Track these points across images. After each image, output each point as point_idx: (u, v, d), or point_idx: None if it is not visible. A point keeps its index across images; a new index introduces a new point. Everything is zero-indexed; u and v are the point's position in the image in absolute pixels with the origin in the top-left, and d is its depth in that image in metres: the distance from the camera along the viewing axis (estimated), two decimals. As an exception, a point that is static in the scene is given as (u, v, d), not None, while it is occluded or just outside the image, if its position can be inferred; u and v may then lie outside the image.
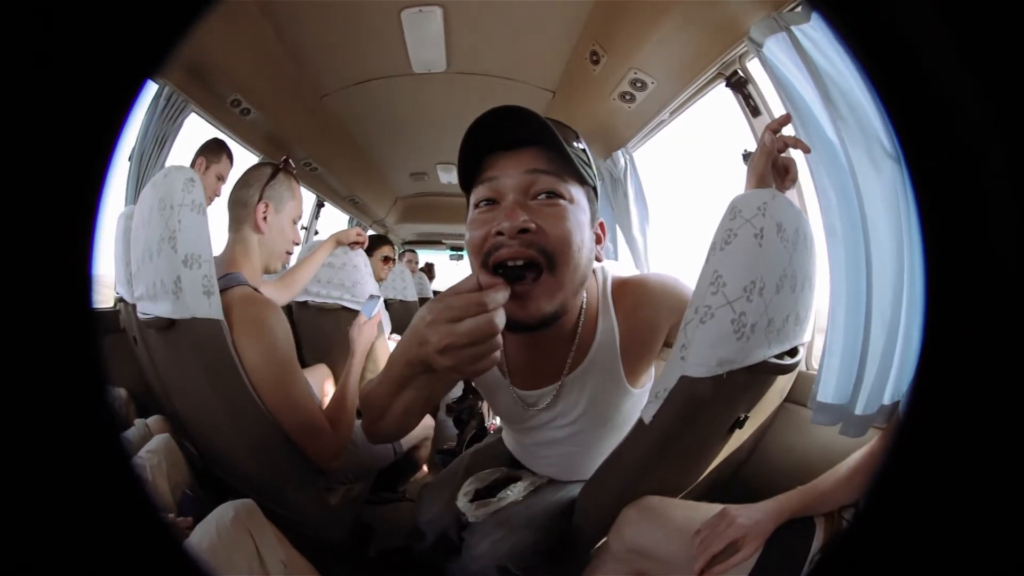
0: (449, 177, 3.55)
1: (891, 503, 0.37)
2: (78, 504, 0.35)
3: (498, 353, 0.62)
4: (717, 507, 0.84)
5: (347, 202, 3.75)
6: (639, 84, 1.73)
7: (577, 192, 0.78)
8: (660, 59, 1.59)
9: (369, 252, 2.28)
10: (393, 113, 2.55)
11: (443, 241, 5.07)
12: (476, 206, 0.79)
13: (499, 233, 0.72)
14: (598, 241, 0.85)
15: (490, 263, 0.73)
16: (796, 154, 1.14)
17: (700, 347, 0.76)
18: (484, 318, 0.59)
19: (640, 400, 0.95)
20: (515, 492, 1.07)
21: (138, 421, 1.32)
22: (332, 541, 1.24)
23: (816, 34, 1.07)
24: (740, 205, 0.76)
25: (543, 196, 0.75)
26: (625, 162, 2.24)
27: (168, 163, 1.89)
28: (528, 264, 0.72)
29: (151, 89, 1.81)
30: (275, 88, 2.11)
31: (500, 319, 0.61)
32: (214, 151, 1.97)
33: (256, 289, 1.19)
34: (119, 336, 1.64)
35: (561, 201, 0.75)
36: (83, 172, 0.34)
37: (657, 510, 0.89)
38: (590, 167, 0.81)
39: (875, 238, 0.98)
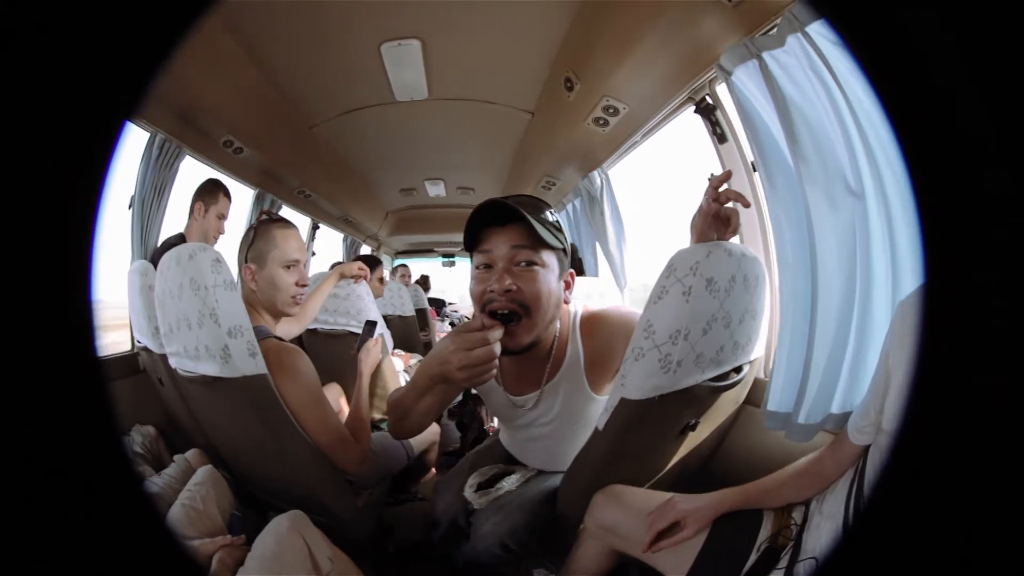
0: (437, 190, 3.53)
1: (886, 513, 0.37)
2: (102, 546, 0.35)
3: (495, 370, 0.89)
4: (667, 495, 0.99)
5: (341, 222, 3.73)
6: (611, 110, 1.71)
7: (548, 257, 1.01)
8: (631, 86, 1.57)
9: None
10: (380, 138, 2.52)
11: (435, 249, 5.06)
12: (477, 267, 1.04)
13: (492, 291, 0.98)
14: (567, 287, 1.08)
15: (486, 311, 0.99)
16: (758, 188, 1.15)
17: (635, 378, 0.92)
18: (487, 349, 0.88)
19: (603, 404, 1.12)
20: (510, 483, 1.26)
21: (177, 457, 1.40)
22: (359, 540, 1.34)
23: (788, 59, 1.04)
24: (676, 263, 0.89)
25: (523, 264, 0.99)
26: (601, 181, 2.24)
27: (169, 208, 1.87)
28: (512, 313, 0.99)
29: (142, 137, 1.77)
30: (264, 125, 2.08)
31: (498, 348, 0.89)
32: (210, 192, 1.94)
33: (278, 337, 1.29)
34: (140, 377, 1.73)
35: (535, 267, 1.00)
36: (72, 222, 0.33)
37: (619, 496, 1.05)
38: (560, 233, 1.04)
39: (823, 270, 1.00)
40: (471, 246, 1.05)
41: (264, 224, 1.31)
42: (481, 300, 1.01)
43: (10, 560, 0.33)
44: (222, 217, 1.97)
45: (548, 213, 1.04)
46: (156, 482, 1.30)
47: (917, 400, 0.35)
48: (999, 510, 0.33)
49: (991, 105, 0.32)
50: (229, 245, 1.98)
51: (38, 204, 0.32)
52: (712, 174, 1.36)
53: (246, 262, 1.29)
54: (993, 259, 0.33)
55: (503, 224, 1.00)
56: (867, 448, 0.79)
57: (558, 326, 1.12)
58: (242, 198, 2.64)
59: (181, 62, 0.36)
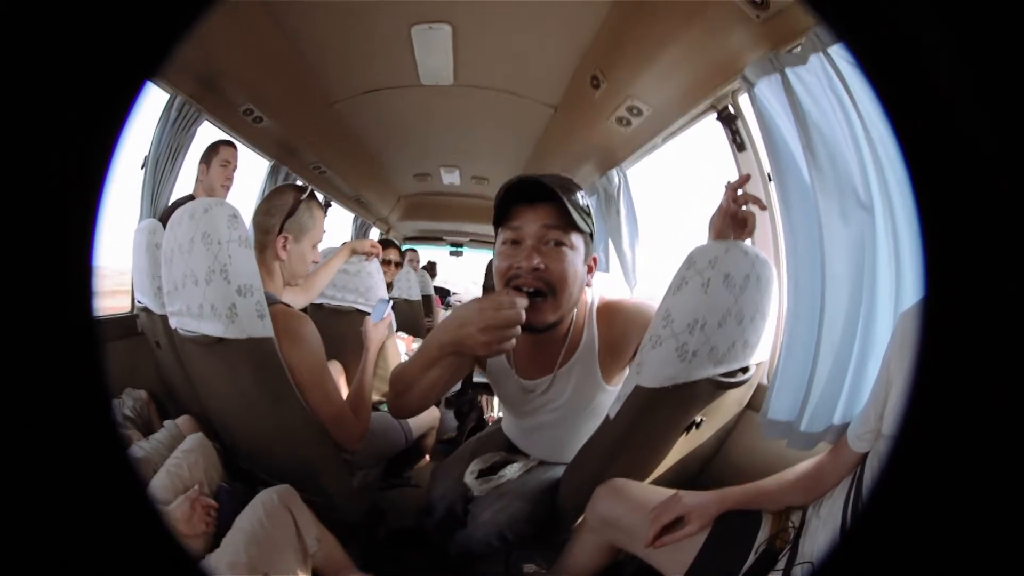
0: (451, 178, 3.55)
1: (883, 519, 0.37)
2: (80, 509, 0.34)
3: (514, 340, 0.88)
4: (671, 491, 1.00)
5: (353, 202, 3.75)
6: (635, 111, 1.73)
7: (576, 239, 1.02)
8: (656, 90, 1.59)
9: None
10: (400, 120, 2.54)
11: (443, 238, 5.07)
12: (504, 243, 1.04)
13: (519, 267, 1.00)
14: (589, 271, 1.09)
15: (511, 285, 1.01)
16: (773, 196, 1.17)
17: (651, 366, 0.93)
18: (516, 311, 0.88)
19: (611, 395, 1.13)
20: (512, 471, 1.25)
21: (167, 422, 1.39)
22: (349, 522, 1.33)
23: (810, 77, 1.07)
24: (695, 257, 0.92)
25: (551, 243, 1.00)
26: (619, 180, 2.26)
27: (183, 171, 1.88)
28: (538, 291, 1.00)
29: (161, 98, 1.79)
30: (287, 96, 2.09)
31: (523, 315, 0.88)
32: (210, 150, 1.94)
33: (286, 304, 1.29)
34: (138, 340, 1.70)
35: (564, 248, 1.01)
36: (82, 175, 0.33)
37: (622, 489, 1.05)
38: (589, 217, 1.04)
39: (832, 280, 1.03)
40: (499, 221, 1.05)
41: (309, 200, 1.33)
42: (506, 275, 1.02)
43: None
44: (226, 164, 1.95)
45: (580, 195, 1.04)
46: (143, 447, 1.29)
47: (915, 406, 0.36)
48: (996, 518, 0.33)
49: (1002, 132, 0.33)
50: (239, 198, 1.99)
51: (46, 160, 0.32)
52: (730, 181, 1.38)
53: (281, 231, 1.29)
54: (994, 269, 0.33)
55: (534, 202, 1.01)
56: (866, 455, 0.81)
57: (575, 311, 1.13)
58: (257, 169, 2.67)
59: (208, 25, 0.36)
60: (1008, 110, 0.32)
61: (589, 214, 1.05)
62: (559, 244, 1.01)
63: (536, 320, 1.00)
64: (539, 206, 1.01)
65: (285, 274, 1.33)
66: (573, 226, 1.00)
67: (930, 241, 0.34)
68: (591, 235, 1.06)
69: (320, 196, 3.35)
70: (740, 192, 0.97)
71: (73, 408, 0.34)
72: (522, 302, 0.89)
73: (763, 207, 0.96)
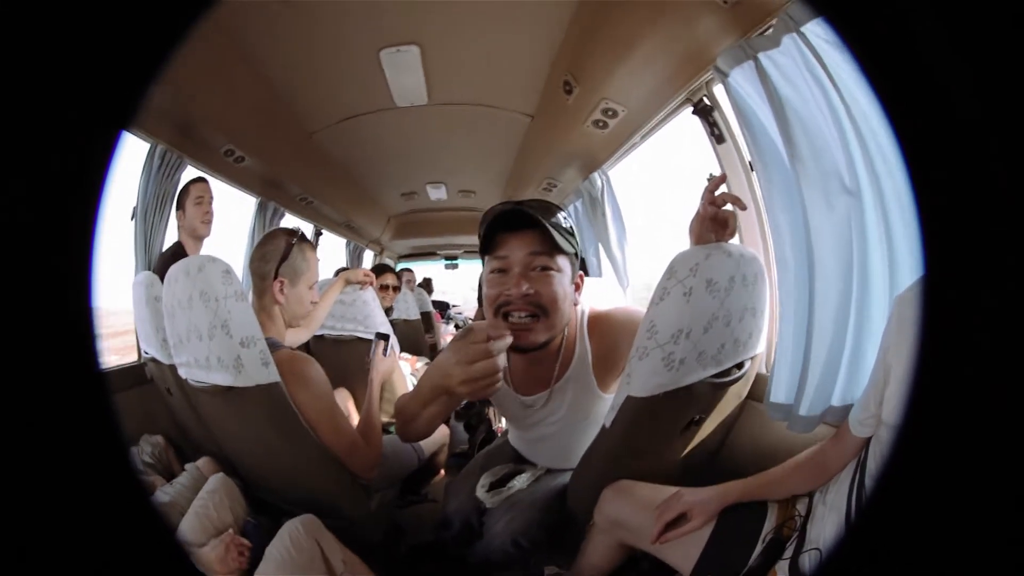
0: (439, 194, 3.55)
1: (889, 504, 0.37)
2: (112, 562, 0.35)
3: (500, 383, 0.85)
4: (675, 489, 1.02)
5: (343, 227, 3.76)
6: (610, 112, 1.73)
7: (563, 261, 1.05)
8: (630, 89, 1.59)
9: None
10: (380, 143, 2.55)
11: (437, 252, 5.08)
12: (491, 272, 1.06)
13: (508, 294, 1.02)
14: (576, 289, 1.11)
15: (501, 312, 1.03)
16: (755, 187, 1.17)
17: (640, 376, 0.95)
18: (490, 362, 0.82)
19: (610, 402, 1.15)
20: (521, 481, 1.28)
21: (188, 466, 1.43)
22: (371, 542, 1.36)
23: (784, 60, 1.05)
24: (676, 266, 0.94)
25: (539, 269, 1.02)
26: (602, 183, 2.26)
27: (172, 219, 1.89)
28: (529, 315, 1.02)
29: (142, 148, 1.80)
30: (265, 133, 2.11)
31: (501, 361, 0.83)
32: (181, 194, 1.93)
33: (290, 348, 1.33)
34: (148, 387, 1.73)
35: (551, 272, 1.03)
36: (71, 231, 0.33)
37: (627, 490, 1.08)
38: (573, 237, 1.07)
39: (820, 266, 1.03)
40: (485, 249, 1.08)
41: (300, 243, 1.37)
42: (495, 303, 1.05)
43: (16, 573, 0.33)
44: (199, 200, 1.94)
45: (562, 217, 1.07)
46: (168, 491, 1.33)
47: (917, 393, 0.36)
48: (1000, 501, 0.34)
49: (987, 98, 0.32)
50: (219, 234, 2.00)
51: (36, 215, 0.32)
52: (711, 174, 1.38)
53: (276, 276, 1.32)
54: (991, 252, 0.33)
55: (518, 229, 1.03)
56: (868, 440, 0.82)
57: (566, 328, 1.15)
58: (245, 207, 2.68)
59: (180, 71, 0.37)
60: (997, 82, 0.32)
61: (572, 234, 1.07)
62: (546, 268, 1.03)
63: (528, 341, 1.03)
64: (523, 233, 1.03)
65: (286, 316, 1.37)
66: (558, 249, 1.03)
67: (927, 224, 0.34)
68: (576, 255, 1.08)
69: (310, 227, 3.37)
70: (718, 193, 0.97)
71: (92, 462, 0.35)
72: (500, 345, 0.83)
73: (743, 207, 0.96)
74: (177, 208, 1.91)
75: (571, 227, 1.08)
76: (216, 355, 1.15)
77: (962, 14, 0.33)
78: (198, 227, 1.92)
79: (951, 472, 0.34)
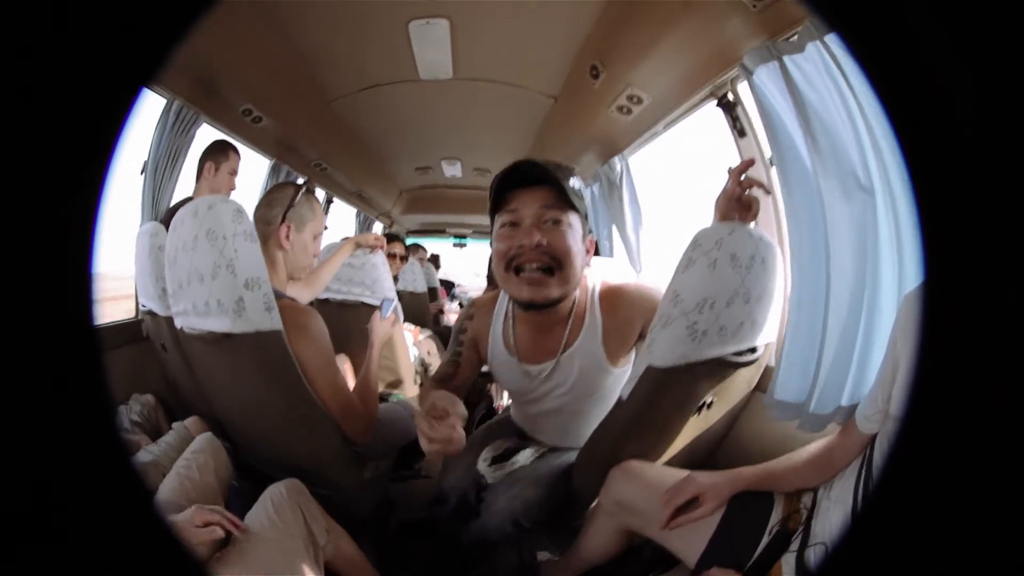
0: (453, 170, 3.56)
1: (893, 498, 0.38)
2: (86, 519, 0.34)
3: (460, 444, 0.85)
4: (685, 472, 1.00)
5: (355, 197, 3.77)
6: (635, 99, 1.75)
7: (573, 218, 1.06)
8: (656, 79, 1.61)
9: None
10: (399, 115, 2.55)
11: (447, 230, 5.09)
12: (502, 226, 1.07)
13: (521, 246, 1.03)
14: (587, 252, 1.12)
15: (513, 266, 1.05)
16: (775, 181, 1.19)
17: (662, 344, 0.95)
18: (436, 447, 0.84)
19: (618, 378, 1.19)
20: (524, 457, 1.27)
21: (176, 424, 1.39)
22: (360, 514, 1.35)
23: (807, 65, 1.09)
24: (701, 239, 0.94)
25: (550, 222, 1.04)
26: (621, 168, 2.27)
27: (183, 174, 1.90)
28: (543, 267, 1.04)
29: (157, 102, 1.81)
30: (285, 95, 2.11)
31: (459, 440, 0.84)
32: (221, 151, 1.95)
33: (292, 299, 1.30)
34: (143, 345, 1.71)
35: (562, 226, 1.04)
36: (80, 182, 0.33)
37: (636, 471, 1.06)
38: (581, 200, 1.08)
39: (835, 259, 1.05)
40: (496, 208, 1.09)
41: (309, 193, 1.37)
42: (507, 256, 1.06)
43: None
44: (234, 173, 1.97)
45: (573, 179, 1.08)
46: (152, 450, 1.29)
47: (921, 385, 0.36)
48: (1006, 494, 0.34)
49: (990, 117, 0.33)
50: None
51: (45, 168, 0.32)
52: (731, 168, 1.39)
53: (283, 220, 1.31)
54: (992, 250, 0.34)
55: (530, 186, 1.05)
56: (874, 436, 0.82)
57: (576, 294, 1.16)
58: (258, 168, 2.69)
59: (204, 26, 0.37)
60: (1000, 93, 0.33)
61: (582, 197, 1.09)
62: (558, 222, 1.04)
63: (542, 296, 1.05)
64: (535, 189, 1.05)
65: (288, 266, 1.35)
66: (570, 205, 1.04)
67: (927, 224, 0.35)
68: (585, 216, 1.10)
69: (322, 192, 3.38)
70: (744, 176, 0.99)
71: (76, 417, 0.34)
72: (443, 431, 0.84)
73: (768, 191, 0.99)
74: (209, 159, 1.92)
75: (580, 189, 1.09)
76: (217, 297, 1.10)
77: (973, 34, 0.33)
78: (223, 193, 1.93)
79: (956, 464, 0.35)
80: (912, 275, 0.97)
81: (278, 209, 1.32)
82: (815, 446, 0.94)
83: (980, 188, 0.34)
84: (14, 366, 0.32)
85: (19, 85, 0.31)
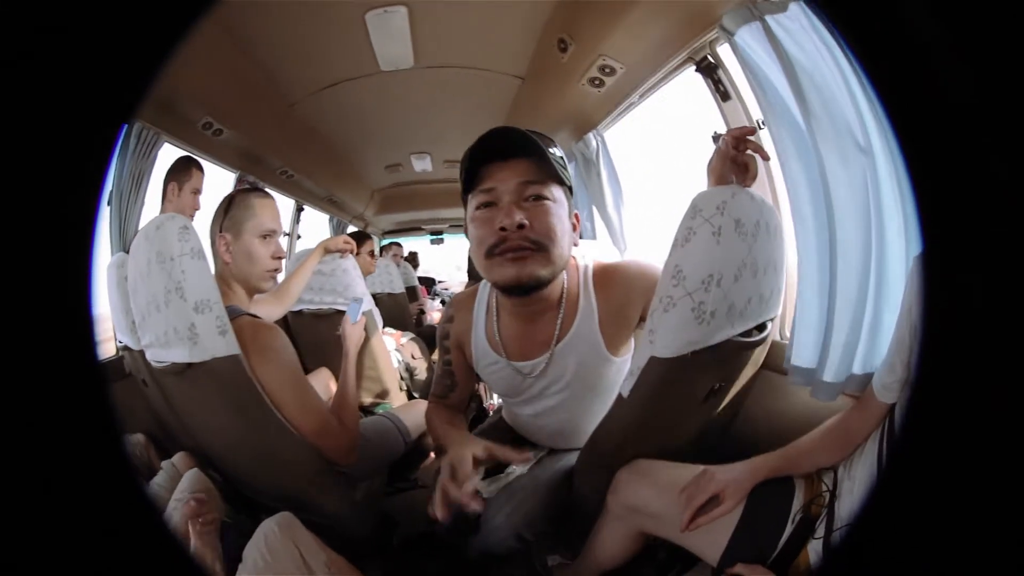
0: (423, 165, 3.49)
1: (914, 466, 0.38)
2: (104, 552, 0.35)
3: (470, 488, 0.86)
4: (700, 467, 0.94)
5: (326, 202, 3.68)
6: (608, 70, 1.70)
7: (557, 192, 0.96)
8: (629, 46, 1.57)
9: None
10: (363, 112, 2.49)
11: (422, 227, 5.02)
12: (477, 208, 0.96)
13: (502, 228, 0.91)
14: (574, 228, 1.02)
15: (496, 252, 0.94)
16: (767, 144, 1.17)
17: (665, 332, 0.86)
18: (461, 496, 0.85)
19: (620, 367, 1.09)
20: (520, 466, 1.17)
21: (165, 463, 1.32)
22: (360, 537, 1.29)
23: (792, 24, 1.04)
24: (701, 204, 0.84)
25: (532, 199, 0.93)
26: (597, 144, 2.23)
27: (148, 198, 1.82)
28: (526, 249, 0.92)
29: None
30: (244, 104, 2.04)
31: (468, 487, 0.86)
32: (183, 170, 1.87)
33: (253, 315, 1.20)
34: (128, 381, 1.62)
35: (546, 202, 0.94)
36: (74, 224, 0.33)
37: (647, 471, 1.00)
38: (565, 170, 0.98)
39: (841, 225, 1.02)
40: (468, 188, 0.98)
41: (242, 192, 1.25)
42: (486, 244, 0.95)
43: (13, 566, 0.33)
44: (197, 192, 1.88)
45: (554, 148, 0.98)
46: (149, 490, 1.19)
47: (934, 352, 0.37)
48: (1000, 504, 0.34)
49: (983, 86, 0.33)
50: (205, 219, 1.93)
51: (38, 208, 0.32)
52: (716, 132, 1.36)
53: (220, 232, 1.21)
54: (987, 211, 0.34)
55: (507, 159, 0.93)
56: (893, 407, 0.79)
57: (565, 278, 1.06)
58: (223, 181, 2.59)
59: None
60: (984, 58, 0.33)
61: (565, 167, 0.99)
62: (540, 198, 0.93)
63: (526, 274, 0.94)
64: (512, 162, 0.93)
65: (239, 279, 1.23)
66: (554, 178, 0.94)
67: (922, 191, 0.36)
68: (571, 188, 1.01)
69: (291, 201, 3.29)
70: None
71: (89, 451, 0.35)
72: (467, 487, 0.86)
73: (766, 157, 0.93)
74: (172, 180, 1.84)
75: (563, 158, 0.99)
76: (173, 326, 1.04)
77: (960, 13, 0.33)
78: (186, 213, 1.84)
79: (973, 429, 0.35)
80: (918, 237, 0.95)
81: (215, 224, 1.22)
82: (831, 421, 0.90)
83: (970, 150, 0.34)
84: (24, 404, 0.33)
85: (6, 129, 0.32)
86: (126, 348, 1.55)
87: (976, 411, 0.34)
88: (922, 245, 0.36)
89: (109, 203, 1.76)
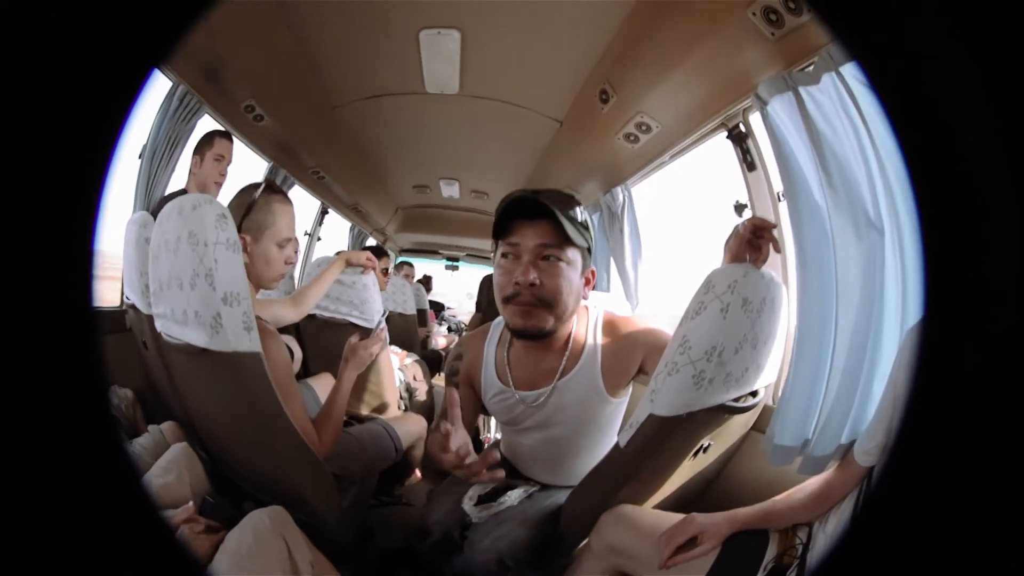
0: (451, 191, 3.56)
1: (883, 519, 0.39)
2: (78, 503, 0.34)
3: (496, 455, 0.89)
4: (680, 516, 1.01)
5: (350, 210, 3.75)
6: (644, 127, 1.75)
7: (573, 254, 1.08)
8: (667, 105, 1.61)
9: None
10: (402, 128, 2.56)
11: (440, 251, 5.07)
12: (503, 256, 1.10)
13: (517, 283, 1.06)
14: (587, 284, 1.14)
15: (510, 302, 1.08)
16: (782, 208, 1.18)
17: (666, 394, 0.93)
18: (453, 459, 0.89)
19: (617, 409, 1.22)
20: (512, 497, 1.25)
21: (152, 427, 1.33)
22: (340, 542, 1.29)
23: (822, 97, 1.10)
24: (714, 280, 0.92)
25: (548, 259, 1.06)
26: (623, 198, 2.27)
27: (180, 164, 1.87)
28: (534, 305, 1.06)
29: (163, 86, 1.79)
30: (289, 96, 2.11)
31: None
32: (205, 141, 1.90)
33: (259, 317, 1.21)
34: (125, 336, 1.64)
35: (560, 264, 1.07)
36: (86, 163, 0.33)
37: (630, 516, 1.07)
38: (587, 231, 1.10)
39: (844, 297, 1.06)
40: (498, 234, 1.11)
41: (265, 195, 1.27)
42: (503, 291, 1.09)
43: None
44: (220, 158, 1.90)
45: (578, 210, 1.10)
46: (129, 448, 1.25)
47: (914, 416, 0.38)
48: (996, 519, 0.35)
49: (1008, 161, 0.34)
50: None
51: (52, 145, 0.32)
52: (738, 201, 1.38)
53: (240, 231, 1.22)
54: (993, 285, 0.35)
55: (533, 218, 1.06)
56: (871, 470, 0.85)
57: (575, 322, 1.18)
58: (255, 169, 2.66)
59: (218, 15, 0.37)
60: (1015, 137, 0.34)
61: (587, 228, 1.11)
62: (555, 259, 1.07)
63: (531, 324, 1.08)
64: (537, 223, 1.06)
65: (253, 278, 1.25)
66: (569, 242, 1.06)
67: (932, 259, 0.36)
68: (589, 249, 1.12)
69: (318, 202, 3.35)
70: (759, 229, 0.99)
71: (70, 400, 0.35)
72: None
73: (779, 250, 0.98)
74: (195, 153, 1.89)
75: (585, 220, 1.11)
76: (194, 308, 1.04)
77: (992, 76, 0.34)
78: (209, 184, 1.89)
79: (944, 490, 0.36)
80: (914, 312, 0.97)
81: (234, 218, 1.21)
82: (813, 482, 0.96)
83: (985, 224, 0.35)
84: (11, 346, 0.33)
85: (29, 62, 0.31)
86: (132, 307, 1.56)
87: (952, 472, 0.36)
88: (923, 311, 0.37)
89: (140, 157, 1.81)
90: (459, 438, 0.90)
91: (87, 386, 0.36)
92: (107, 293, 1.82)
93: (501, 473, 0.89)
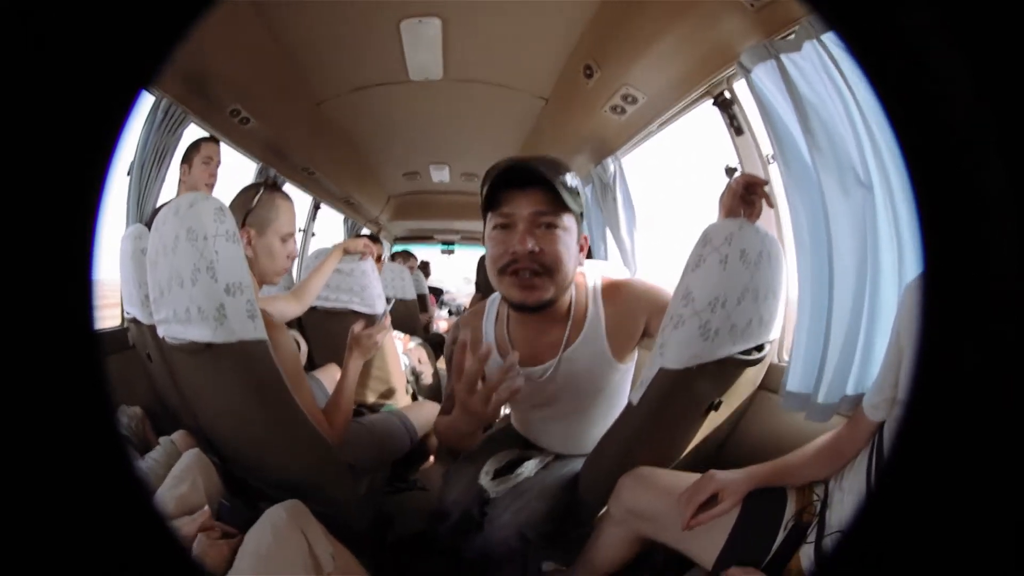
0: (441, 176, 3.56)
1: (904, 478, 0.39)
2: (89, 528, 0.34)
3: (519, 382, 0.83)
4: (697, 475, 1.01)
5: (342, 203, 3.75)
6: (630, 99, 1.76)
7: (568, 220, 1.05)
8: (652, 77, 1.63)
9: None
10: (388, 118, 2.55)
11: (435, 236, 5.08)
12: (495, 227, 1.06)
13: (514, 252, 1.02)
14: (581, 250, 1.12)
15: (508, 271, 1.04)
16: (774, 171, 1.22)
17: (674, 346, 0.95)
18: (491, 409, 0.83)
19: (625, 374, 1.21)
20: (528, 469, 1.24)
21: (163, 439, 1.33)
22: (357, 530, 1.29)
23: (804, 63, 1.12)
24: (711, 234, 0.95)
25: (544, 226, 1.03)
26: (614, 169, 2.29)
27: (169, 176, 1.87)
28: (534, 272, 1.03)
29: (148, 101, 1.78)
30: (273, 96, 2.11)
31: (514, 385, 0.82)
32: (192, 149, 1.91)
33: (263, 310, 1.22)
34: (130, 353, 1.65)
35: (556, 230, 1.04)
36: (80, 187, 0.33)
37: (648, 477, 1.07)
38: (579, 197, 1.07)
39: (838, 253, 1.08)
40: (488, 206, 1.07)
41: (268, 191, 1.31)
42: (500, 262, 1.05)
43: None
44: (208, 160, 1.91)
45: (569, 176, 1.06)
46: (140, 466, 1.22)
47: (925, 372, 0.38)
48: (1012, 474, 0.35)
49: (988, 107, 0.35)
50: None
51: (46, 174, 0.32)
52: (728, 165, 1.41)
53: (243, 225, 1.26)
54: (989, 239, 0.35)
55: (524, 187, 1.03)
56: (882, 424, 0.84)
57: (574, 291, 1.16)
58: (245, 172, 2.66)
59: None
60: (999, 92, 0.34)
61: (579, 194, 1.08)
62: (551, 226, 1.04)
63: (532, 298, 1.05)
64: (529, 191, 1.03)
65: (256, 272, 1.28)
66: (565, 208, 1.03)
67: (925, 217, 0.37)
68: (581, 214, 1.09)
69: (309, 198, 3.35)
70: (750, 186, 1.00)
71: (77, 425, 0.34)
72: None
73: (771, 205, 1.01)
74: (183, 162, 1.90)
75: (577, 186, 1.07)
76: (197, 304, 1.04)
77: (973, 35, 0.34)
78: (200, 187, 1.90)
79: (961, 447, 0.36)
80: (911, 267, 1.01)
81: (238, 215, 1.25)
82: (823, 438, 0.96)
83: (975, 180, 0.35)
84: (14, 371, 0.32)
85: (19, 87, 0.31)
86: (134, 320, 1.56)
87: (962, 427, 0.36)
88: (923, 267, 0.38)
89: (129, 173, 1.80)
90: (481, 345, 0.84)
91: (93, 410, 0.35)
92: (106, 321, 1.82)
93: (520, 381, 0.83)
